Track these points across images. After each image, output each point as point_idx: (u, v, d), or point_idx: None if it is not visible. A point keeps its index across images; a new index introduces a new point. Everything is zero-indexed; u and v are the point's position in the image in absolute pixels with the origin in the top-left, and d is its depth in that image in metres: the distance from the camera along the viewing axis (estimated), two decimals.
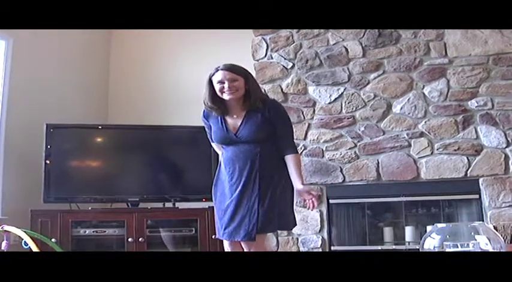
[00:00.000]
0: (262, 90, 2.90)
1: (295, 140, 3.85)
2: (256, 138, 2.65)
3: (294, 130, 3.88)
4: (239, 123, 2.68)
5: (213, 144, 2.95)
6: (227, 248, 2.70)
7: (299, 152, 3.89)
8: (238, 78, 2.63)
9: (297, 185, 2.63)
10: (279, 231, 3.86)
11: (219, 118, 2.72)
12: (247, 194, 2.58)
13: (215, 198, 2.76)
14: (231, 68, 2.65)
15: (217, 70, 2.65)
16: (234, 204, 2.59)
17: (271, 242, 3.82)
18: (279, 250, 3.84)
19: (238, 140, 2.66)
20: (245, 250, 2.61)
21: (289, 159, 2.67)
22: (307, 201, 2.64)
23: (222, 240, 2.72)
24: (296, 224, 2.80)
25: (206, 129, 2.87)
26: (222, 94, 2.64)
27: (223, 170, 2.73)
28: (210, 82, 2.66)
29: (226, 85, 2.61)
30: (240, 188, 2.60)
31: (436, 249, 2.12)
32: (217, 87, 2.63)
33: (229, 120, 2.71)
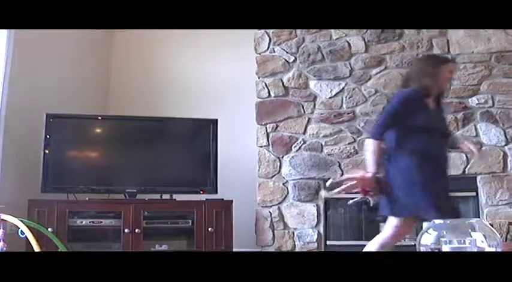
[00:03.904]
0: None
1: (294, 134, 3.94)
2: (446, 128, 2.85)
3: (294, 124, 3.96)
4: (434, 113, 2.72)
5: (371, 140, 2.64)
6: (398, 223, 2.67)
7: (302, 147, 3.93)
8: None
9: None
10: (275, 225, 3.87)
11: (423, 105, 2.64)
12: (443, 178, 2.65)
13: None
14: None
15: (451, 60, 2.95)
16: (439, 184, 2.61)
17: None
18: (274, 243, 3.84)
19: (434, 129, 2.65)
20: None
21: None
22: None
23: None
24: None
25: (398, 113, 2.62)
26: (443, 83, 2.72)
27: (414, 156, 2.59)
28: (438, 66, 2.69)
29: (452, 77, 2.86)
30: (438, 171, 2.62)
31: (433, 245, 2.12)
32: (446, 75, 2.72)
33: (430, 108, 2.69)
